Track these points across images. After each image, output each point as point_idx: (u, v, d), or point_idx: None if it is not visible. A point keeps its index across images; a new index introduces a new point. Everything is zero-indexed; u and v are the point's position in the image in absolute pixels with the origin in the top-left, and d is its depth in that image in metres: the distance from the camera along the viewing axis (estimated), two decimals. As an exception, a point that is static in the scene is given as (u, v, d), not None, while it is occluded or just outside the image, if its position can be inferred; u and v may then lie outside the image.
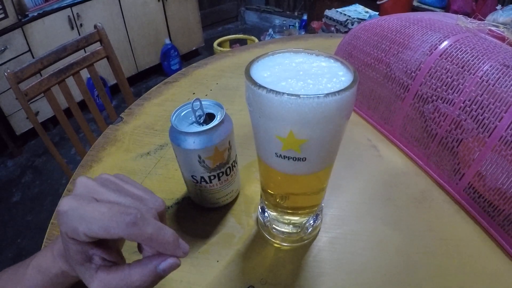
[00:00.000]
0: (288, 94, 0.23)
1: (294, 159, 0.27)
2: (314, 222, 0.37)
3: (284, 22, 2.63)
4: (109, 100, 1.01)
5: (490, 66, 0.37)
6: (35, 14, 1.69)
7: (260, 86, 0.24)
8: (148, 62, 2.41)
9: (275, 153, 0.27)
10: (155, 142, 0.54)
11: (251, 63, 0.27)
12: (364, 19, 1.77)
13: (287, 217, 0.36)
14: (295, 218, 0.36)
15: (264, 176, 0.33)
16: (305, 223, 0.36)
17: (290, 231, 0.37)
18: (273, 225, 0.37)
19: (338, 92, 0.23)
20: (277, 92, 0.23)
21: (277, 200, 0.34)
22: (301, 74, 0.26)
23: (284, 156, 0.27)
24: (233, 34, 2.55)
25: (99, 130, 0.85)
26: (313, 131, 0.25)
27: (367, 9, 1.94)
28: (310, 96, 0.22)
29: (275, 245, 0.37)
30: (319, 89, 0.25)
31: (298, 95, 0.23)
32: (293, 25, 2.64)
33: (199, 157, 0.34)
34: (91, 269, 0.23)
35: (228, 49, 2.39)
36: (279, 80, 0.26)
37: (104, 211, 0.20)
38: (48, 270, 0.27)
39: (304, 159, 0.27)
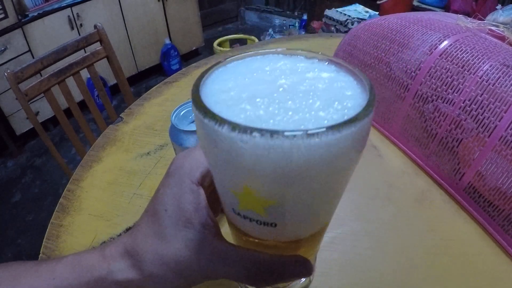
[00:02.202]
0: (239, 129, 0.13)
1: (258, 222, 0.18)
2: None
3: (284, 22, 2.64)
4: (109, 100, 1.01)
5: (490, 66, 0.37)
6: (35, 14, 1.69)
7: (205, 113, 0.15)
8: (148, 62, 2.40)
9: (233, 209, 0.19)
10: (155, 142, 0.54)
11: (207, 71, 0.18)
12: (364, 19, 1.77)
13: None
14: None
15: (231, 232, 0.25)
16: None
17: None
18: None
19: (333, 128, 0.13)
20: (223, 123, 0.14)
21: None
22: (280, 91, 0.17)
23: (244, 216, 0.18)
24: (233, 34, 2.55)
25: (99, 130, 0.85)
26: (286, 190, 0.15)
27: (367, 9, 1.94)
28: (279, 134, 0.13)
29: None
30: (303, 119, 0.15)
31: (260, 130, 0.13)
32: (293, 25, 2.64)
33: None
34: (201, 232, 0.19)
35: (228, 49, 2.39)
36: (239, 101, 0.16)
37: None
38: (91, 269, 0.21)
39: (273, 224, 0.18)
